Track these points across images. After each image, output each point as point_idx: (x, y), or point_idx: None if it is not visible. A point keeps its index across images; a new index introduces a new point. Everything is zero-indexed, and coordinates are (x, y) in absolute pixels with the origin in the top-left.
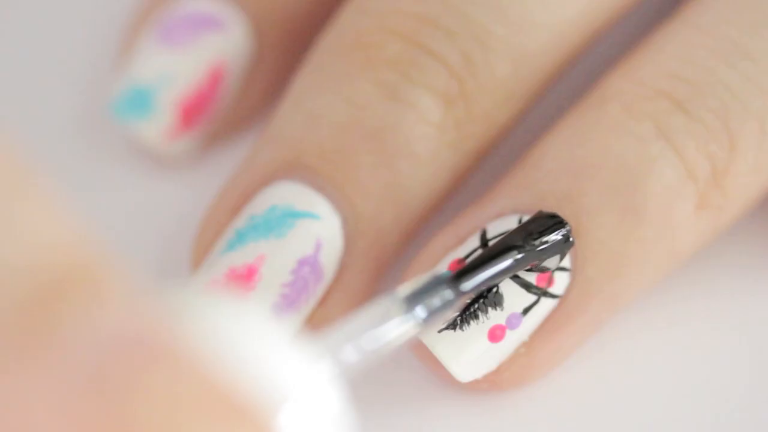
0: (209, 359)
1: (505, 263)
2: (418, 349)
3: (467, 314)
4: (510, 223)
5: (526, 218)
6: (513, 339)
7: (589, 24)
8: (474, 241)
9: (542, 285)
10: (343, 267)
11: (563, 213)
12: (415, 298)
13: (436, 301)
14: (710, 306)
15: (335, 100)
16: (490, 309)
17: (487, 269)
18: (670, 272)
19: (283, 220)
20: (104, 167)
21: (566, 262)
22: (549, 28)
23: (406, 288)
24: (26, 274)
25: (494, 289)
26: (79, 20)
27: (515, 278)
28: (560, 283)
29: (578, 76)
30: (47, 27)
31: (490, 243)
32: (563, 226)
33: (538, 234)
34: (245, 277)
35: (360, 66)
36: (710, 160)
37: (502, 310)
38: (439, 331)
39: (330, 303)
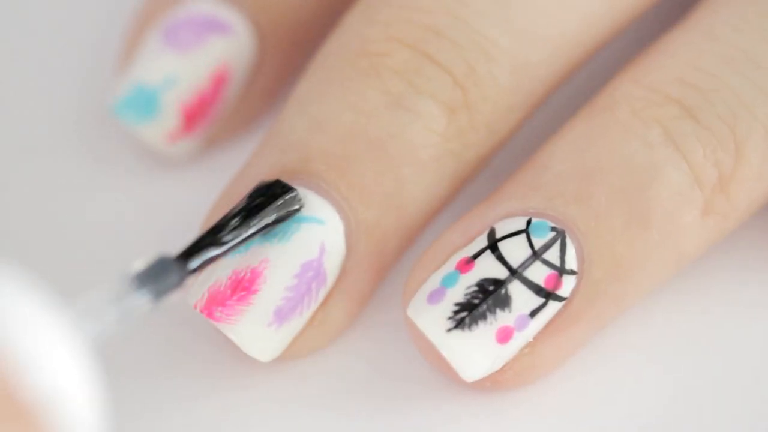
0: None
1: (233, 241)
2: (424, 348)
3: (475, 315)
4: (518, 224)
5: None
6: (519, 340)
7: (592, 38)
8: (482, 241)
9: (550, 287)
10: (344, 271)
11: (572, 215)
12: (143, 279)
13: (164, 280)
14: (710, 303)
15: (340, 106)
16: (498, 310)
17: (213, 247)
18: (674, 275)
19: (288, 224)
20: (106, 168)
21: (573, 265)
22: (552, 41)
23: (134, 268)
24: None
25: (502, 291)
26: (81, 20)
27: (524, 281)
28: (567, 285)
29: (584, 78)
30: (50, 26)
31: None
32: (289, 191)
33: (262, 205)
34: (249, 281)
35: (365, 73)
36: (717, 167)
37: (510, 311)
38: (448, 331)
39: (330, 305)
